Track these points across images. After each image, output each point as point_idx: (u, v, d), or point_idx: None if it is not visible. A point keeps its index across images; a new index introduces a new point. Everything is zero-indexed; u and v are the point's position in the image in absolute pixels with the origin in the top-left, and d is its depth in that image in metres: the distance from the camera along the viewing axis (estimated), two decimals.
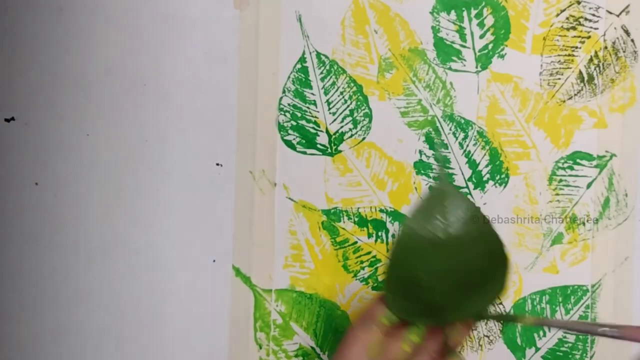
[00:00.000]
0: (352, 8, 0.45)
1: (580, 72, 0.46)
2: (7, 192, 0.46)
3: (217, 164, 0.46)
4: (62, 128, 0.46)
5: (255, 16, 0.45)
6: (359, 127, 0.46)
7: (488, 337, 0.46)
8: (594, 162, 0.46)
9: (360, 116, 0.46)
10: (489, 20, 0.45)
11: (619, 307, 0.46)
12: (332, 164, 0.46)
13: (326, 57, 0.45)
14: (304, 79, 0.46)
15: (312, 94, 0.46)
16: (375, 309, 0.31)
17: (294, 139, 0.46)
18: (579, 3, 0.45)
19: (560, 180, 0.46)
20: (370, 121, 0.46)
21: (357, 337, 0.30)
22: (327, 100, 0.46)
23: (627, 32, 0.45)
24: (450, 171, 0.46)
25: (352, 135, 0.46)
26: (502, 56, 0.45)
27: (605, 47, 0.45)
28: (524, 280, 0.46)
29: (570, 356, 0.46)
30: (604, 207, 0.46)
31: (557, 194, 0.46)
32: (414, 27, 0.45)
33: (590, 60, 0.45)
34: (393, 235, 0.46)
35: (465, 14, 0.45)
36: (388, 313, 0.31)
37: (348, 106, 0.46)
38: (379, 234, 0.46)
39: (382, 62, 0.45)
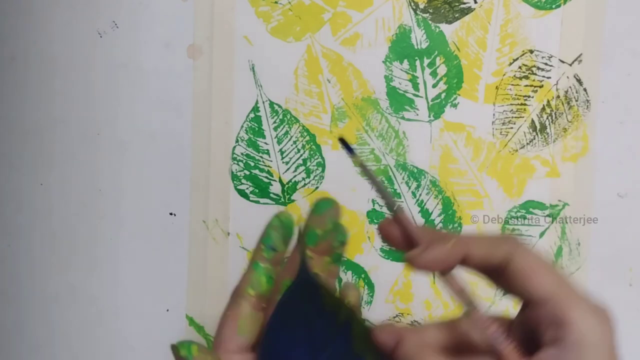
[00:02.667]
0: (306, 57, 0.45)
1: (533, 121, 0.46)
2: None
3: (171, 214, 0.46)
4: (15, 178, 0.46)
5: (208, 66, 0.45)
6: (312, 176, 0.46)
7: None
8: (547, 212, 0.46)
9: (314, 165, 0.46)
10: (442, 70, 0.46)
11: None
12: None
13: (279, 106, 0.46)
14: (257, 128, 0.46)
15: (265, 143, 0.46)
16: (241, 283, 0.28)
17: (247, 189, 0.46)
18: (531, 52, 0.45)
19: (513, 230, 0.46)
20: (323, 170, 0.46)
21: (226, 316, 0.28)
22: (281, 150, 0.46)
23: (579, 81, 0.45)
24: None
25: (305, 185, 0.46)
26: (455, 105, 0.46)
27: (558, 96, 0.46)
28: None
29: None
30: (557, 257, 0.46)
31: None
32: (367, 76, 0.46)
33: (543, 109, 0.46)
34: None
35: (418, 63, 0.45)
36: (254, 280, 0.28)
37: (301, 155, 0.46)
38: None
39: (335, 112, 0.46)
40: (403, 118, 0.46)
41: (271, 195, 0.46)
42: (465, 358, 0.25)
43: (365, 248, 0.46)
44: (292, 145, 0.46)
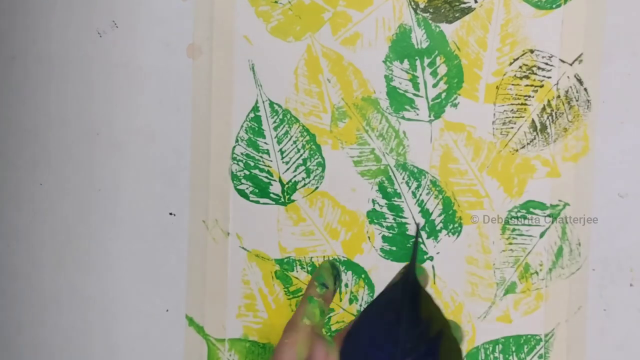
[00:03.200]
0: (306, 57, 0.45)
1: (533, 121, 0.46)
2: None
3: (170, 214, 0.46)
4: (14, 177, 0.46)
5: (208, 65, 0.45)
6: (312, 176, 0.46)
7: None
8: (548, 212, 0.46)
9: (314, 165, 0.46)
10: (442, 69, 0.45)
11: (572, 356, 0.46)
12: (286, 213, 0.46)
13: (279, 106, 0.45)
14: (257, 128, 0.46)
15: (265, 143, 0.46)
16: (296, 314, 0.32)
17: (247, 188, 0.46)
18: (532, 52, 0.45)
19: (514, 230, 0.46)
20: (323, 170, 0.46)
21: (284, 344, 0.30)
22: (281, 150, 0.46)
23: (580, 81, 0.45)
24: (403, 220, 0.46)
25: (305, 185, 0.46)
26: (455, 105, 0.45)
27: (558, 96, 0.45)
28: (477, 329, 0.46)
29: None
30: (558, 257, 0.46)
31: (511, 243, 0.46)
32: (367, 76, 0.45)
33: (543, 109, 0.45)
34: (346, 285, 0.46)
35: (418, 62, 0.45)
36: (309, 312, 0.31)
37: (301, 155, 0.46)
38: None
39: (336, 111, 0.45)
40: (403, 118, 0.45)
41: (271, 195, 0.46)
42: None
43: (365, 248, 0.46)
44: (292, 145, 0.46)
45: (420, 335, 0.28)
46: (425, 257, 0.46)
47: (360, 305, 0.46)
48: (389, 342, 0.28)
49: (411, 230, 0.46)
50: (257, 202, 0.46)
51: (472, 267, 0.46)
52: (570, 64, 0.45)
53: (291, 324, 0.31)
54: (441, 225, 0.46)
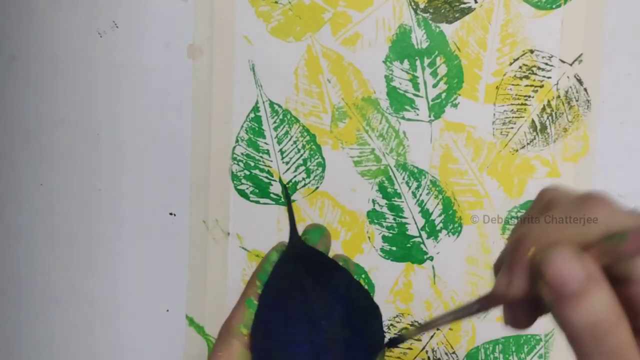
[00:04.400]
0: (306, 57, 0.45)
1: (533, 121, 0.46)
2: None
3: (171, 214, 0.46)
4: (15, 178, 0.46)
5: (208, 66, 0.45)
6: (312, 176, 0.46)
7: None
8: None
9: (314, 165, 0.46)
10: (442, 70, 0.45)
11: (572, 356, 0.46)
12: (286, 213, 0.46)
13: (279, 106, 0.46)
14: (257, 128, 0.46)
15: (266, 143, 0.46)
16: (232, 320, 0.26)
17: (248, 189, 0.46)
18: (532, 52, 0.45)
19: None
20: (323, 170, 0.46)
21: (218, 357, 0.26)
22: (281, 150, 0.46)
23: (580, 81, 0.45)
24: (403, 220, 0.46)
25: (305, 185, 0.46)
26: (455, 105, 0.46)
27: (558, 96, 0.45)
28: (477, 329, 0.46)
29: None
30: None
31: None
32: (367, 76, 0.45)
33: (543, 109, 0.46)
34: None
35: (418, 63, 0.45)
36: (247, 320, 0.26)
37: (301, 155, 0.46)
38: None
39: (336, 111, 0.46)
40: (403, 118, 0.46)
41: (271, 195, 0.46)
42: None
43: (365, 248, 0.46)
44: (292, 145, 0.46)
45: (328, 294, 0.26)
46: (425, 257, 0.46)
47: None
48: (300, 312, 0.26)
49: (412, 230, 0.46)
50: (257, 202, 0.46)
51: (472, 267, 0.46)
52: (570, 64, 0.45)
53: (226, 331, 0.26)
54: (441, 225, 0.46)
